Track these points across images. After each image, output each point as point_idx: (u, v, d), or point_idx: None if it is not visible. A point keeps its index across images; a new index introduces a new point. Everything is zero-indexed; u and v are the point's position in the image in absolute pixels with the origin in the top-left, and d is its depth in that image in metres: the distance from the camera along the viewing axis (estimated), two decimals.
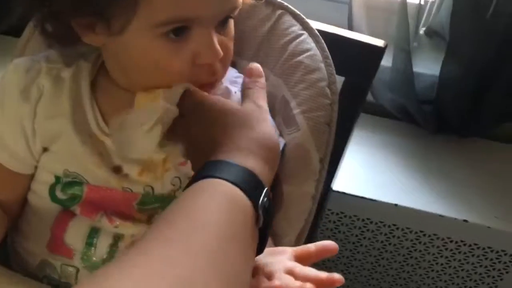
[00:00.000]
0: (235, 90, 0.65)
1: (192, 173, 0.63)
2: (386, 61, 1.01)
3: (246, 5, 0.66)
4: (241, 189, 0.45)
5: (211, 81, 0.59)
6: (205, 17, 0.53)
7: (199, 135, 0.54)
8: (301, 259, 0.53)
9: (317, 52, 0.70)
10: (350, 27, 1.01)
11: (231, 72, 0.68)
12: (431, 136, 1.08)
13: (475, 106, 1.01)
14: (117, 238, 0.63)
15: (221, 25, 0.57)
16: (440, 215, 0.96)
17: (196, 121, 0.55)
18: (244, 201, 0.45)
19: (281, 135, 0.69)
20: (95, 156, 0.62)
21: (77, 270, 0.62)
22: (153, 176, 0.62)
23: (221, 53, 0.55)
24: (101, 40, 0.57)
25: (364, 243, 1.08)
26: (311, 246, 0.52)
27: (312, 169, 0.68)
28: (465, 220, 0.96)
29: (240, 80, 0.67)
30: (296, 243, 0.70)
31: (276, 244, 0.69)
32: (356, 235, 1.07)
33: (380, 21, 0.99)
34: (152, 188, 0.63)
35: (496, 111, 1.02)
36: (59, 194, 0.64)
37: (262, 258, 0.52)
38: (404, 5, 0.93)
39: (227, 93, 0.64)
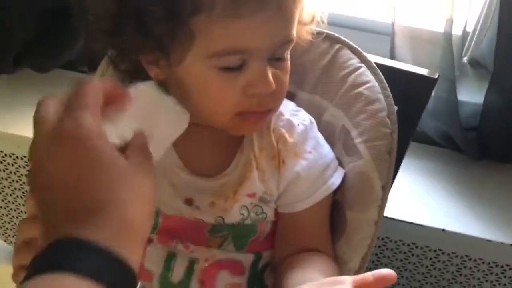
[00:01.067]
0: (297, 122, 0.68)
1: (267, 203, 0.66)
2: None
3: (305, 40, 0.68)
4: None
5: (262, 111, 0.61)
6: (258, 49, 0.55)
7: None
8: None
9: (376, 84, 0.72)
10: (393, 58, 1.03)
11: (290, 105, 0.71)
12: (474, 162, 1.09)
13: None
14: (192, 261, 0.65)
15: (277, 60, 0.59)
16: (487, 240, 0.97)
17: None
18: None
19: (340, 164, 0.72)
20: (169, 188, 0.64)
21: None
22: (222, 208, 0.65)
23: (273, 84, 0.57)
24: (164, 74, 0.60)
25: (409, 267, 1.08)
26: (370, 275, 0.50)
27: (374, 196, 0.70)
28: (511, 245, 0.97)
29: (300, 114, 0.70)
30: (360, 268, 0.71)
31: (341, 268, 0.71)
32: (401, 260, 1.07)
33: (423, 51, 1.01)
34: (223, 218, 0.65)
35: None
36: None
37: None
38: (449, 35, 0.96)
39: (290, 125, 0.67)
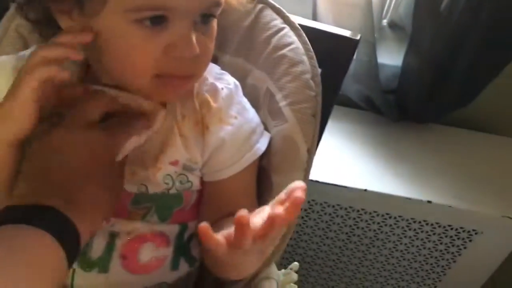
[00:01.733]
0: (222, 86, 0.64)
1: (192, 172, 0.63)
2: None
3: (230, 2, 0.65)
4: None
5: (186, 75, 0.57)
6: (182, 9, 0.51)
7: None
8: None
9: (300, 45, 0.70)
10: (315, 20, 1.02)
11: (215, 69, 0.67)
12: (393, 124, 1.11)
13: (432, 95, 1.05)
14: (113, 236, 0.61)
15: (202, 23, 0.55)
16: (407, 198, 1.00)
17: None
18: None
19: (266, 128, 0.70)
20: None
21: (73, 270, 0.60)
22: (144, 177, 0.61)
23: (197, 48, 0.53)
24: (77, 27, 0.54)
25: (333, 228, 1.10)
26: (282, 194, 0.49)
27: (300, 159, 0.68)
28: (429, 201, 1.00)
29: (225, 78, 0.66)
30: (287, 233, 0.70)
31: None
32: (326, 221, 1.09)
33: (344, 14, 1.00)
34: (146, 187, 0.61)
35: (450, 99, 1.07)
36: None
37: None
38: None
39: (214, 89, 0.63)
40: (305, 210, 1.07)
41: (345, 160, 1.04)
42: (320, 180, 1.00)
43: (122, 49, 0.53)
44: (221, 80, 0.65)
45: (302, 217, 1.08)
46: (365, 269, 1.19)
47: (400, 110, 1.09)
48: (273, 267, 0.75)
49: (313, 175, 0.99)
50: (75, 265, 0.60)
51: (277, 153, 0.69)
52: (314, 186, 1.00)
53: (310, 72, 0.69)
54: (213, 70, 0.66)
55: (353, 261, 1.17)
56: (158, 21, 0.51)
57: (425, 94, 1.04)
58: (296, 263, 0.75)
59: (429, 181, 1.03)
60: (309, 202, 1.05)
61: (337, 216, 1.07)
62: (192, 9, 0.52)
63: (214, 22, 0.57)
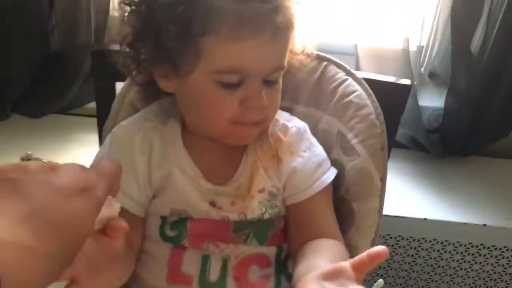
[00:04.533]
0: (291, 125, 0.73)
1: (276, 198, 0.71)
2: None
3: (296, 60, 0.75)
4: None
5: (257, 122, 0.66)
6: (253, 70, 0.62)
7: None
8: (358, 270, 0.51)
9: (362, 92, 0.79)
10: None
11: (285, 115, 0.76)
12: (438, 159, 1.18)
13: (472, 130, 1.12)
14: (225, 259, 0.68)
15: (270, 82, 0.65)
16: (463, 223, 1.04)
17: None
18: None
19: (340, 164, 0.77)
20: (195, 192, 0.68)
21: None
22: (243, 206, 0.69)
23: (266, 100, 0.63)
24: (172, 86, 0.66)
25: (396, 259, 1.14)
26: (364, 255, 0.51)
27: (375, 187, 0.75)
28: (484, 225, 1.04)
29: (294, 120, 0.75)
30: None
31: (353, 254, 0.75)
32: (390, 253, 1.13)
33: (385, 66, 1.10)
34: (245, 215, 0.69)
35: (490, 132, 1.13)
36: (169, 232, 0.69)
37: (326, 281, 0.50)
38: (406, 51, 1.05)
39: (285, 128, 0.72)
40: None
41: (401, 194, 1.10)
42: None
43: (206, 104, 0.64)
44: (290, 122, 0.74)
45: None
46: None
47: (444, 147, 1.15)
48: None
49: None
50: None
51: (354, 183, 0.76)
52: None
53: (374, 113, 0.77)
54: (283, 115, 0.75)
55: None
56: (236, 83, 0.62)
57: (467, 130, 1.11)
58: (381, 280, 0.80)
59: (481, 206, 1.08)
60: None
61: (399, 247, 1.12)
62: (262, 72, 0.63)
63: (279, 81, 0.68)
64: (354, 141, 0.77)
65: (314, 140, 0.75)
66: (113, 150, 0.69)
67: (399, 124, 0.90)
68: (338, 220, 0.78)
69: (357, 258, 0.51)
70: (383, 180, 0.76)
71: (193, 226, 0.68)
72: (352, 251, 0.75)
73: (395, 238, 1.10)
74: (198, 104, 0.65)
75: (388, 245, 1.12)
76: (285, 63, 0.66)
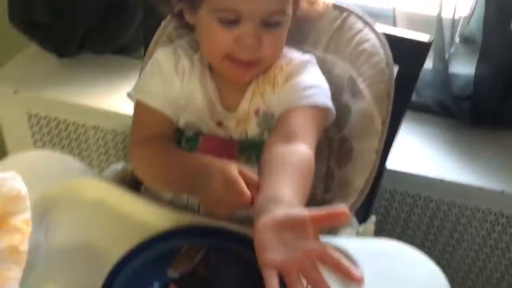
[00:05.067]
0: (296, 57, 0.79)
1: (268, 119, 0.77)
2: (427, 65, 1.14)
3: (313, 9, 0.82)
4: None
5: (250, 61, 0.73)
6: (247, 12, 0.69)
7: None
8: (315, 224, 0.52)
9: (376, 41, 0.84)
10: None
11: (296, 53, 0.82)
12: (468, 128, 1.19)
13: (504, 100, 1.12)
14: None
15: (270, 26, 0.71)
16: (480, 187, 1.06)
17: None
18: None
19: (349, 109, 0.83)
20: (209, 112, 0.78)
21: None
22: (243, 128, 0.78)
23: (257, 42, 0.71)
24: (191, 20, 0.77)
25: (413, 218, 1.18)
26: (324, 212, 0.52)
27: (375, 128, 0.81)
28: (501, 191, 1.05)
29: (302, 56, 0.81)
30: (364, 188, 0.82)
31: (348, 188, 0.82)
32: (407, 211, 1.17)
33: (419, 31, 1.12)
34: (246, 134, 0.78)
35: None
36: (184, 145, 0.80)
37: (282, 231, 0.52)
38: (440, 18, 1.07)
39: (289, 58, 0.79)
40: (387, 199, 1.16)
41: (423, 155, 1.13)
42: (400, 169, 1.09)
43: (207, 37, 0.74)
44: (297, 56, 0.81)
45: (385, 207, 1.18)
46: (448, 257, 1.22)
47: (476, 115, 1.16)
48: (353, 219, 0.87)
49: (394, 165, 1.09)
50: None
51: (357, 124, 0.82)
52: (396, 176, 1.10)
53: (385, 61, 0.82)
54: (295, 52, 0.82)
55: (432, 253, 1.22)
56: (233, 22, 0.70)
57: (498, 99, 1.11)
58: (373, 216, 0.86)
59: (502, 174, 1.09)
60: (390, 191, 1.14)
61: (416, 206, 1.15)
62: (256, 13, 0.70)
63: (281, 29, 0.74)
64: (362, 85, 0.82)
65: (317, 72, 0.80)
66: (152, 69, 0.80)
67: (421, 84, 0.93)
68: (338, 157, 0.85)
69: (316, 212, 0.52)
70: (384, 124, 0.81)
71: (204, 141, 0.78)
72: (347, 185, 0.82)
73: (413, 197, 1.13)
74: (203, 37, 0.76)
75: (405, 204, 1.16)
76: (288, 9, 0.73)
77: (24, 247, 0.36)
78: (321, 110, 0.75)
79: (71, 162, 0.84)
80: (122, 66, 1.31)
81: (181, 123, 0.79)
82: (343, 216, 0.51)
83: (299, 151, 0.67)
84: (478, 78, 1.11)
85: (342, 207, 0.51)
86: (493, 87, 1.10)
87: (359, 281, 0.50)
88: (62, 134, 1.27)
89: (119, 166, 0.91)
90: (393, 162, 1.09)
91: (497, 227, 1.12)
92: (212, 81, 0.79)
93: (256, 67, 0.75)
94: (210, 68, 0.80)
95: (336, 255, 0.51)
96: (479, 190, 1.07)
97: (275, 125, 0.75)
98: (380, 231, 1.23)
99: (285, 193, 0.58)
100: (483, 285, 1.23)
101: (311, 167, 0.67)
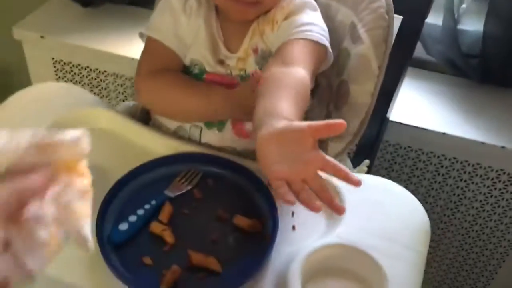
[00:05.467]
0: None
1: (266, 58, 0.80)
2: (437, 20, 1.15)
3: None
4: None
5: (250, 1, 0.76)
6: None
7: None
8: (314, 135, 0.55)
9: None
10: None
11: None
12: (475, 86, 1.20)
13: None
14: None
15: None
16: (482, 142, 1.08)
17: None
18: None
19: (348, 53, 0.86)
20: (212, 50, 0.82)
21: (201, 129, 0.82)
22: (243, 66, 0.82)
23: None
24: None
25: (416, 173, 1.20)
26: (323, 123, 0.54)
27: (372, 72, 0.84)
28: (502, 147, 1.07)
29: None
30: (358, 131, 0.86)
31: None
32: (410, 166, 1.19)
33: None
34: (245, 70, 0.82)
35: None
36: None
37: (283, 143, 0.55)
38: None
39: (289, 1, 0.80)
40: (391, 153, 1.19)
41: (428, 110, 1.15)
42: (404, 122, 1.12)
43: None
44: None
45: (389, 161, 1.21)
46: (449, 213, 1.25)
47: (483, 73, 1.17)
48: (348, 161, 0.91)
49: (397, 118, 1.12)
50: (202, 125, 0.82)
51: (354, 67, 0.85)
52: (399, 128, 1.12)
53: (385, 7, 0.84)
54: None
55: (435, 209, 1.25)
56: None
57: (507, 57, 1.11)
58: (367, 160, 0.90)
59: (504, 131, 1.10)
60: (394, 145, 1.17)
61: (419, 161, 1.17)
62: None
63: None
64: (361, 30, 0.85)
65: (316, 15, 0.81)
66: (163, 8, 0.84)
67: (430, 40, 0.94)
68: (336, 100, 0.89)
69: (315, 123, 0.54)
70: (381, 68, 0.84)
71: (208, 77, 0.83)
72: None
73: (416, 151, 1.16)
74: None
75: (408, 158, 1.18)
76: None
77: (91, 190, 0.43)
78: (318, 46, 0.77)
79: (87, 95, 0.90)
80: (143, 16, 1.36)
81: (187, 61, 0.84)
82: (340, 126, 0.54)
83: (296, 72, 0.69)
84: (486, 35, 1.11)
85: (339, 120, 0.54)
86: (502, 45, 1.11)
87: (340, 210, 0.56)
88: (84, 80, 1.34)
89: (130, 103, 0.97)
90: (397, 116, 1.12)
91: (499, 185, 1.14)
92: (217, 22, 0.83)
93: (259, 5, 0.79)
94: (217, 9, 0.84)
95: (336, 162, 0.55)
96: (481, 145, 1.08)
97: (273, 55, 0.78)
98: None
99: (284, 107, 0.61)
100: (484, 243, 1.26)
101: (307, 88, 0.70)
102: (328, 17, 0.86)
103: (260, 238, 0.66)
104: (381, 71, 0.84)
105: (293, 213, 0.69)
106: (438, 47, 1.16)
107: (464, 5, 1.14)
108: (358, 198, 0.68)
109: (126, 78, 1.30)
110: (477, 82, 1.19)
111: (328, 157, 0.55)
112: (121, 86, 1.32)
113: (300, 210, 0.59)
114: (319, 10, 0.84)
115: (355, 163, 0.97)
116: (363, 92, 0.84)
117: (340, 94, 0.87)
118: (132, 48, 1.25)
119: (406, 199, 0.74)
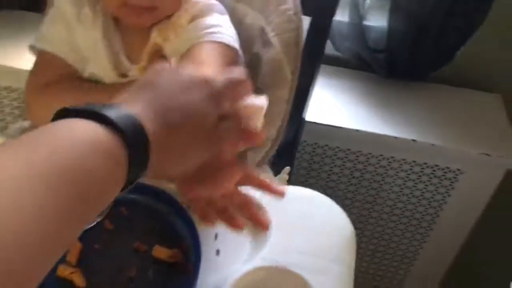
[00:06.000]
0: (200, 1, 0.75)
1: None
2: (344, 17, 1.16)
3: None
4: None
5: (147, 6, 0.70)
6: None
7: None
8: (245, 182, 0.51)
9: None
10: None
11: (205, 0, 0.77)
12: (383, 81, 1.22)
13: (416, 54, 1.15)
14: None
15: None
16: (394, 137, 1.10)
17: None
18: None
19: (259, 58, 0.83)
20: (112, 65, 0.75)
21: None
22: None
23: None
24: None
25: (335, 170, 1.21)
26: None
27: (285, 77, 0.81)
28: (413, 140, 1.10)
29: (209, 0, 0.76)
30: (276, 138, 0.83)
31: None
32: (328, 164, 1.20)
33: None
34: None
35: (432, 59, 1.17)
36: None
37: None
38: None
39: (194, 4, 0.74)
40: (309, 153, 1.18)
41: (339, 108, 1.16)
42: (318, 121, 1.11)
43: None
44: (204, 0, 0.76)
45: (308, 160, 1.20)
46: (369, 206, 1.27)
47: (390, 68, 1.19)
48: (268, 169, 0.88)
49: (312, 117, 1.11)
50: None
51: (267, 74, 0.82)
52: (315, 128, 1.12)
53: (292, 9, 0.82)
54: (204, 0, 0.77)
55: (355, 204, 1.27)
56: None
57: (411, 50, 1.14)
58: (287, 167, 0.88)
59: (414, 124, 1.13)
60: (312, 145, 1.17)
61: (337, 158, 1.18)
62: None
63: None
64: (271, 34, 0.82)
65: (223, 18, 0.76)
66: (54, 16, 0.76)
67: (338, 36, 0.95)
68: None
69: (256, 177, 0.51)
70: (294, 73, 0.82)
71: None
72: None
73: (333, 149, 1.16)
74: None
75: (327, 156, 1.18)
76: None
77: None
78: (228, 49, 0.72)
79: None
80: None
81: (85, 75, 0.76)
82: (257, 138, 0.48)
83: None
84: (391, 30, 1.14)
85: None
86: (405, 39, 1.13)
87: (265, 224, 0.52)
88: None
89: (26, 123, 0.87)
90: (313, 116, 1.11)
91: (412, 176, 1.18)
92: (115, 31, 0.76)
93: (155, 11, 0.72)
94: (115, 17, 0.77)
95: (258, 176, 0.51)
96: (394, 139, 1.10)
97: (180, 62, 0.71)
98: (305, 185, 1.25)
99: None
100: (402, 232, 1.30)
101: None
102: (236, 21, 0.82)
103: (183, 269, 0.61)
104: (294, 76, 0.82)
105: (216, 235, 0.65)
106: (346, 44, 1.16)
107: (368, 1, 1.15)
108: (281, 212, 0.66)
109: (21, 91, 1.18)
110: (384, 76, 1.21)
111: (247, 169, 0.52)
112: (15, 100, 1.20)
113: (223, 231, 0.54)
114: (227, 14, 0.80)
115: (275, 169, 0.95)
116: (278, 100, 0.82)
117: None
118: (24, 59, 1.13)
119: (330, 209, 0.72)
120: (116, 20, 0.76)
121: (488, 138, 1.13)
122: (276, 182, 0.87)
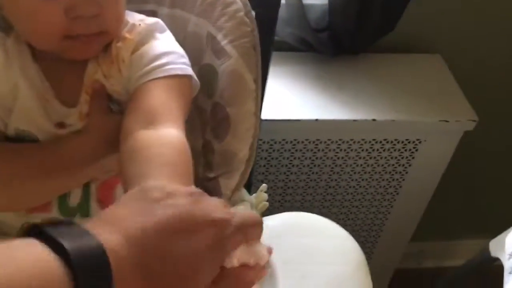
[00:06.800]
0: (139, 23, 0.63)
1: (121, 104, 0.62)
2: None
3: None
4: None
5: (93, 33, 0.57)
6: None
7: None
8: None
9: None
10: None
11: (139, 17, 0.66)
12: (330, 59, 1.16)
13: (359, 26, 1.09)
14: (87, 181, 0.62)
15: None
16: (354, 120, 1.04)
17: None
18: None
19: (214, 69, 0.72)
20: (43, 112, 0.61)
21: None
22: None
23: (96, 7, 0.54)
24: None
25: (295, 163, 1.14)
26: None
27: (248, 89, 0.71)
28: (373, 119, 1.05)
29: (147, 20, 0.64)
30: (250, 157, 0.73)
31: (233, 160, 0.72)
32: (288, 158, 1.13)
33: None
34: None
35: (375, 28, 1.11)
36: None
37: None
38: None
39: (132, 25, 0.63)
40: (267, 150, 1.10)
41: (292, 97, 1.08)
42: (275, 118, 1.03)
43: (30, 19, 0.55)
44: (142, 20, 0.64)
45: (265, 158, 1.12)
46: (332, 190, 1.23)
47: (334, 45, 1.12)
48: (244, 191, 0.78)
49: (268, 115, 1.02)
50: (57, 215, 0.62)
51: (227, 87, 0.71)
52: (271, 125, 1.03)
53: (243, 10, 0.71)
54: (137, 17, 0.65)
55: (318, 191, 1.22)
56: None
57: (353, 25, 1.08)
58: (264, 184, 0.79)
59: (371, 102, 1.08)
60: (268, 142, 1.08)
61: (296, 150, 1.11)
62: None
63: None
64: (224, 42, 0.71)
65: (167, 37, 0.65)
66: None
67: (278, 21, 0.86)
68: (215, 128, 0.74)
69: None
70: (257, 81, 0.72)
71: None
72: (231, 158, 0.73)
73: (291, 142, 1.09)
74: (20, 19, 0.56)
75: (284, 150, 1.11)
76: None
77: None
78: (182, 79, 0.61)
79: None
80: None
81: (10, 131, 0.61)
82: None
83: (168, 138, 0.53)
84: (332, 7, 1.06)
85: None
86: (348, 12, 1.07)
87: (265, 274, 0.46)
88: None
89: None
90: (268, 113, 1.02)
91: (373, 153, 1.14)
92: (37, 71, 0.61)
93: (103, 36, 0.59)
94: (33, 52, 0.61)
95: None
96: (353, 122, 1.05)
97: (129, 105, 0.59)
98: (264, 181, 1.18)
99: None
100: (365, 213, 1.27)
101: (186, 154, 0.53)
102: (176, 31, 0.69)
103: None
104: (258, 84, 0.72)
105: None
106: (287, 28, 1.07)
107: None
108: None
109: None
110: (330, 55, 1.14)
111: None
112: None
113: None
114: (167, 29, 0.67)
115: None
116: (245, 115, 0.71)
117: (218, 120, 0.72)
118: None
119: (339, 235, 0.65)
120: (34, 54, 0.61)
121: (443, 104, 1.11)
122: (254, 201, 0.79)
